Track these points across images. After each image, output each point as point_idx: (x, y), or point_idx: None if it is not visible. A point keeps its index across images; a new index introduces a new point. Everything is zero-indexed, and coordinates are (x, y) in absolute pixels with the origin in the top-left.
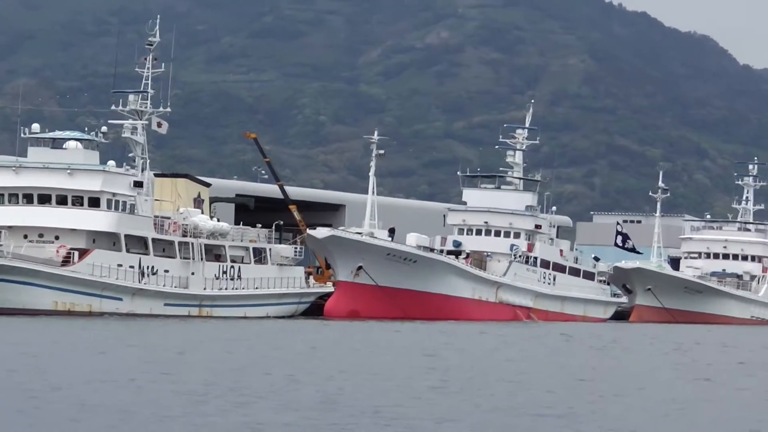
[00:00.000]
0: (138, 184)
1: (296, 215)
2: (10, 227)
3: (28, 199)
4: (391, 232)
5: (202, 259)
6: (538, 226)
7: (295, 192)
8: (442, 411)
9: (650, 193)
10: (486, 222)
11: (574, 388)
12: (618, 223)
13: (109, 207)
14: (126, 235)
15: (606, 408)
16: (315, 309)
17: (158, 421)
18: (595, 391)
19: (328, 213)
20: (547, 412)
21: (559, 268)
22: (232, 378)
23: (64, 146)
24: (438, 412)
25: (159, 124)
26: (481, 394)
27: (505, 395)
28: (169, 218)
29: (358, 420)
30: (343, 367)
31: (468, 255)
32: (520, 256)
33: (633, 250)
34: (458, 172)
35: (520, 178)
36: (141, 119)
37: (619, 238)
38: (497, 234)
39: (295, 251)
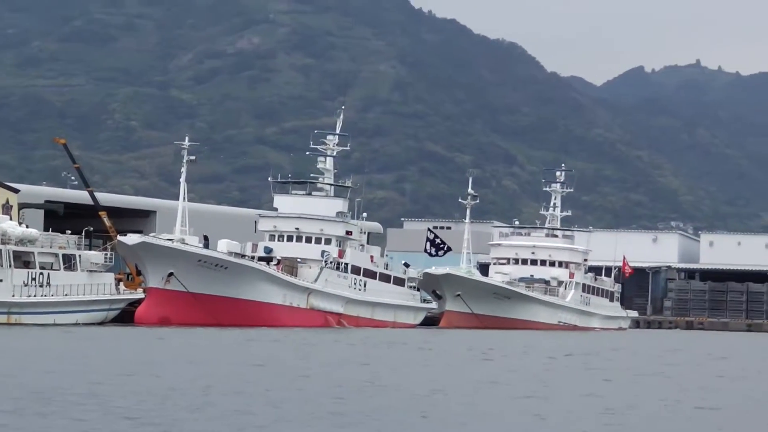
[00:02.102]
0: None
1: (106, 221)
2: None
3: None
4: (205, 239)
5: (10, 265)
6: (349, 233)
7: (105, 198)
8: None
9: (460, 200)
10: (297, 228)
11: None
12: (429, 230)
13: None
14: None
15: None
16: (125, 316)
17: None
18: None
19: (139, 219)
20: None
21: (370, 274)
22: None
23: None
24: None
25: None
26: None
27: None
28: None
29: None
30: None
31: (279, 261)
32: (331, 263)
33: (443, 250)
34: (269, 178)
35: (331, 185)
36: None
37: (428, 244)
38: (308, 240)
39: (106, 258)
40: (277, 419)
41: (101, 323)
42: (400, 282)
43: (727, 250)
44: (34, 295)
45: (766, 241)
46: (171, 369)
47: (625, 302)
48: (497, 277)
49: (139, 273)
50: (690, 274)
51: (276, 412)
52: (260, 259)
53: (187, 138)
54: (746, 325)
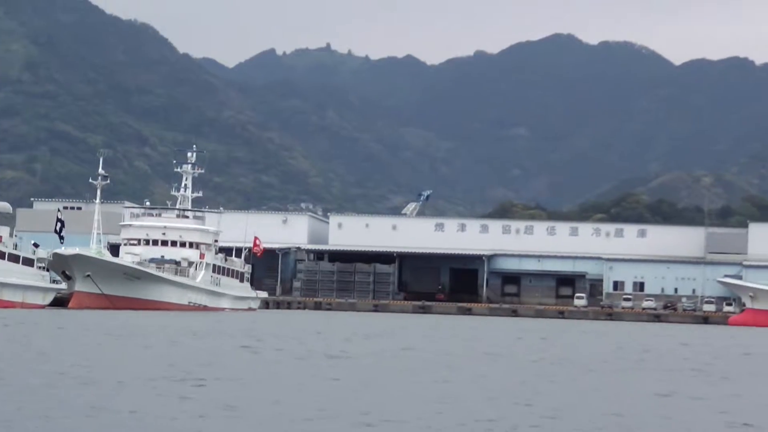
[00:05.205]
0: None
1: None
2: None
3: None
4: None
5: None
6: None
7: None
8: None
9: (90, 180)
10: None
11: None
12: (59, 210)
13: None
14: None
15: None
16: None
17: None
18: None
19: None
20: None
21: None
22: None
23: None
24: None
25: None
26: None
27: None
28: None
29: None
30: None
31: None
32: None
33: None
34: None
35: None
36: None
37: (59, 225)
38: None
39: None
40: None
41: None
42: (29, 262)
43: (355, 232)
44: None
45: (393, 222)
46: None
47: (255, 283)
48: (128, 257)
49: None
50: (319, 255)
51: None
52: None
53: None
54: (373, 305)
